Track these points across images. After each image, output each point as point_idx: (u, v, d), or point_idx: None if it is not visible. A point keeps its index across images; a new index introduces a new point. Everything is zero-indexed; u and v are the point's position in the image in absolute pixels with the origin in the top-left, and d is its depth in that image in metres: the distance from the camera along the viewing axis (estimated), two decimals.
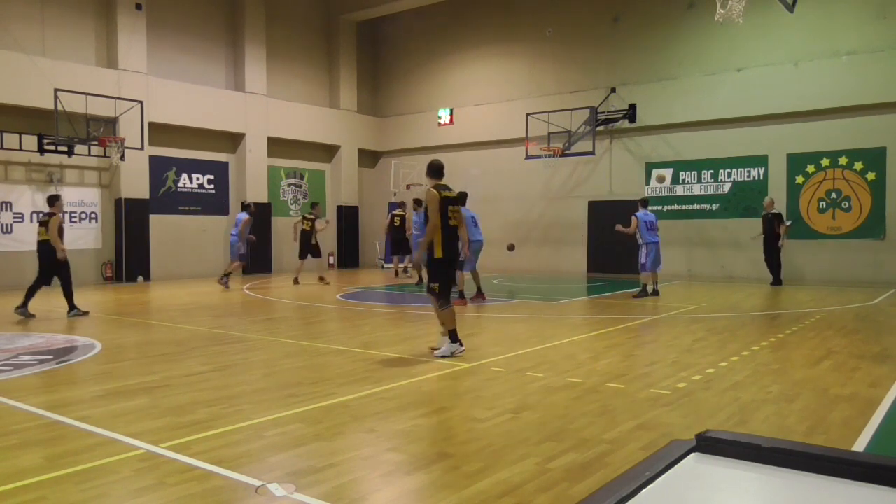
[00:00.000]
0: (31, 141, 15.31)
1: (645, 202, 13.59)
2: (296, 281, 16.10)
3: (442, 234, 6.89)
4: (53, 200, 10.94)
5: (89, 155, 16.10)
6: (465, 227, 7.63)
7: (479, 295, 12.09)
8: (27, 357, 7.19)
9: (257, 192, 20.08)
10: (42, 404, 5.19)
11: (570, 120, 18.13)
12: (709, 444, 1.37)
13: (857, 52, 15.34)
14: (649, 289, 12.87)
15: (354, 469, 3.82)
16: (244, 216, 15.39)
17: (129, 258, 17.31)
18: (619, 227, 13.01)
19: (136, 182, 17.43)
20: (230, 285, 15.09)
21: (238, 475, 3.66)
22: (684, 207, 17.76)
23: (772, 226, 15.13)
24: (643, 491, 1.17)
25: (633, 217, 12.96)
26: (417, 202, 14.93)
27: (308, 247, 16.59)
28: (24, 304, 10.48)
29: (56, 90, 14.80)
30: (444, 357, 6.87)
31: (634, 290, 13.31)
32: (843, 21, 15.57)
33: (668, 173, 18.04)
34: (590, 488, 3.40)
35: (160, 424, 4.64)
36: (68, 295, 10.65)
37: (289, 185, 21.65)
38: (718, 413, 4.86)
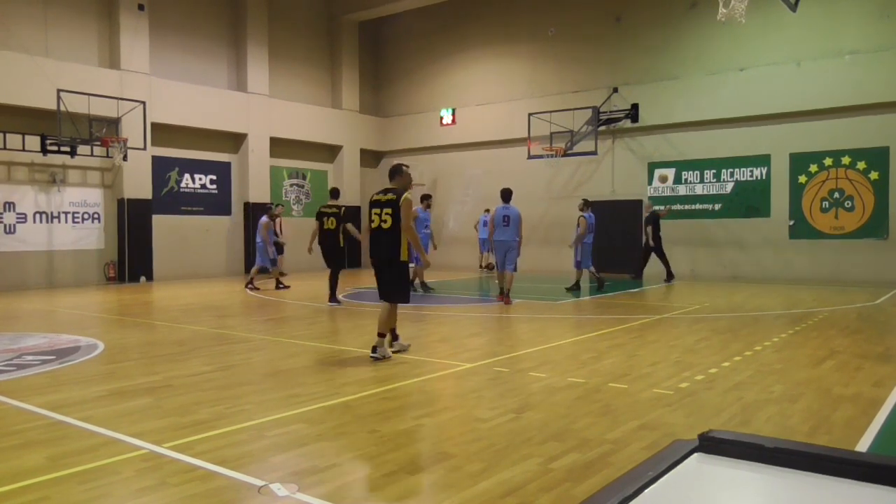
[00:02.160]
0: (34, 141, 15.34)
1: (588, 203, 14.20)
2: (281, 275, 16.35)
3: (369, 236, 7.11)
4: None
5: (92, 155, 16.13)
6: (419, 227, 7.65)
7: (501, 296, 12.02)
8: (30, 357, 7.21)
9: (259, 193, 20.11)
10: (45, 404, 5.20)
11: (573, 120, 18.12)
12: (711, 444, 1.37)
13: (860, 51, 15.31)
14: (575, 282, 13.84)
15: (357, 469, 3.83)
16: (265, 219, 15.20)
17: (132, 258, 17.33)
18: (572, 243, 14.04)
19: (138, 182, 17.45)
20: (257, 285, 14.97)
21: (240, 475, 3.66)
22: (687, 207, 17.74)
23: (657, 225, 16.15)
24: (646, 491, 1.17)
25: (581, 218, 13.78)
26: (423, 198, 14.84)
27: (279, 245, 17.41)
28: None
29: (59, 91, 14.83)
30: (381, 357, 6.89)
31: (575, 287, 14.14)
32: (846, 20, 15.54)
33: (670, 173, 18.02)
34: (592, 488, 3.40)
35: (163, 424, 4.65)
36: None
37: (291, 185, 21.67)
38: (721, 413, 4.86)
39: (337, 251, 11.85)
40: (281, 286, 14.91)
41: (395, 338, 7.29)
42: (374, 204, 7.00)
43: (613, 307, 11.76)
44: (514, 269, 11.95)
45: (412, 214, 7.04)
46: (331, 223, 11.76)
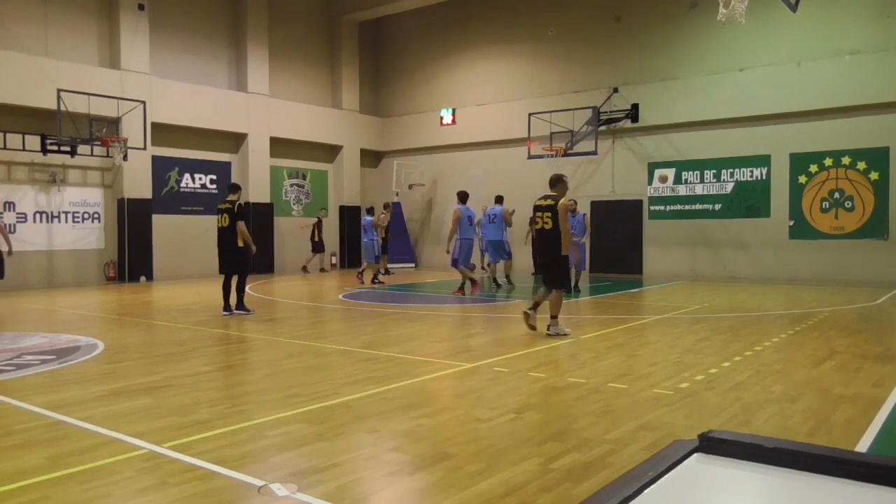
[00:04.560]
0: (34, 141, 15.34)
1: (464, 196, 13.41)
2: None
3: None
4: None
5: (92, 155, 16.12)
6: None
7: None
8: (30, 357, 7.21)
9: (260, 193, 20.11)
10: (45, 404, 5.20)
11: (573, 120, 18.12)
12: (711, 445, 1.37)
13: (861, 51, 15.31)
14: (464, 284, 13.10)
15: (357, 469, 3.82)
16: (371, 219, 16.20)
17: (132, 258, 17.33)
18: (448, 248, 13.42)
19: (138, 182, 17.45)
20: (381, 279, 16.40)
21: (240, 475, 3.66)
22: (687, 207, 17.74)
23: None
24: (645, 491, 1.17)
25: (454, 210, 13.28)
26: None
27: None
28: None
29: (59, 90, 14.83)
30: (555, 335, 8.12)
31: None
32: (847, 20, 15.54)
33: (670, 173, 18.02)
34: (592, 488, 3.40)
35: (163, 424, 4.65)
36: None
37: (291, 185, 21.66)
38: (721, 413, 4.85)
39: (232, 252, 10.31)
40: (376, 280, 16.16)
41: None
42: (536, 209, 8.29)
43: (613, 307, 11.76)
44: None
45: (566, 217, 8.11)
46: (224, 220, 10.28)
